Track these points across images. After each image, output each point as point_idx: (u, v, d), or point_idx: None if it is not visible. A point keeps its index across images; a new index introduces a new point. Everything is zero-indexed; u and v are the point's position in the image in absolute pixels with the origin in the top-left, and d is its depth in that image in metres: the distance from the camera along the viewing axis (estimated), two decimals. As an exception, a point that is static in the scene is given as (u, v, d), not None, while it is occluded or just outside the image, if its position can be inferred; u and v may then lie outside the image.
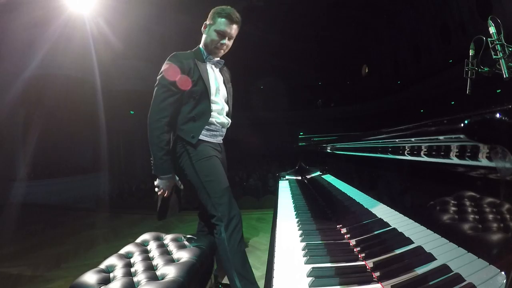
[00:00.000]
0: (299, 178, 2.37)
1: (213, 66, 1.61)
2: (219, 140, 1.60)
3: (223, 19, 1.53)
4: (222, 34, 1.53)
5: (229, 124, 1.64)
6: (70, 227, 4.42)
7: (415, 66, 10.01)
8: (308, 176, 2.25)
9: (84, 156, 10.00)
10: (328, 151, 1.70)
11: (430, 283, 0.47)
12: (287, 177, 2.40)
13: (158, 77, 1.46)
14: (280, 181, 2.18)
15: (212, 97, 1.53)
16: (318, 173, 1.97)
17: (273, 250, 0.74)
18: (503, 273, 0.39)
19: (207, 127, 1.49)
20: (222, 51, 1.58)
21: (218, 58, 1.63)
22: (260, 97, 14.43)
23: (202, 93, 1.48)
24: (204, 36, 1.59)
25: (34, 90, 7.42)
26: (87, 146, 10.09)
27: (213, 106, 1.53)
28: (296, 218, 1.11)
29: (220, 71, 1.67)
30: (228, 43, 1.57)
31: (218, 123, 1.54)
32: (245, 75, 12.81)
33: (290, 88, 14.53)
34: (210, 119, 1.49)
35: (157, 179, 1.46)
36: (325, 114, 13.28)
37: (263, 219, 3.83)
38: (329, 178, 1.63)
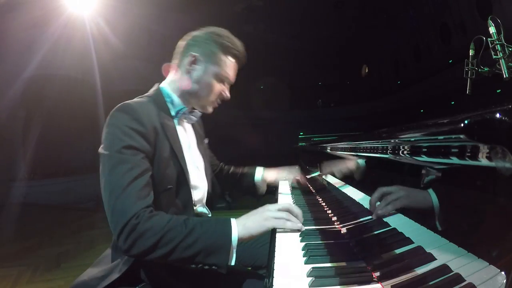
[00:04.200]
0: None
1: (185, 121, 1.01)
2: None
3: (233, 60, 0.95)
4: (228, 82, 0.98)
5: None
6: (70, 227, 4.42)
7: (415, 66, 10.02)
8: (308, 176, 2.25)
9: (84, 156, 9.99)
10: (328, 151, 1.70)
11: (430, 283, 0.47)
12: (287, 177, 2.39)
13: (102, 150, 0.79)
14: (280, 181, 2.17)
15: (192, 181, 0.92)
16: (318, 173, 1.97)
17: (273, 250, 0.74)
18: (503, 273, 0.39)
19: None
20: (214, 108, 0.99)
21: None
22: (260, 97, 14.44)
23: (179, 177, 0.87)
24: (186, 75, 0.93)
25: (34, 90, 7.43)
26: (87, 146, 10.09)
27: (194, 195, 0.93)
28: (296, 218, 1.10)
29: (192, 126, 1.09)
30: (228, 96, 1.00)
31: None
32: (245, 75, 12.83)
33: (290, 88, 14.53)
34: None
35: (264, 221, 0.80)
36: (325, 114, 13.29)
37: (263, 219, 3.83)
38: (329, 178, 1.63)
